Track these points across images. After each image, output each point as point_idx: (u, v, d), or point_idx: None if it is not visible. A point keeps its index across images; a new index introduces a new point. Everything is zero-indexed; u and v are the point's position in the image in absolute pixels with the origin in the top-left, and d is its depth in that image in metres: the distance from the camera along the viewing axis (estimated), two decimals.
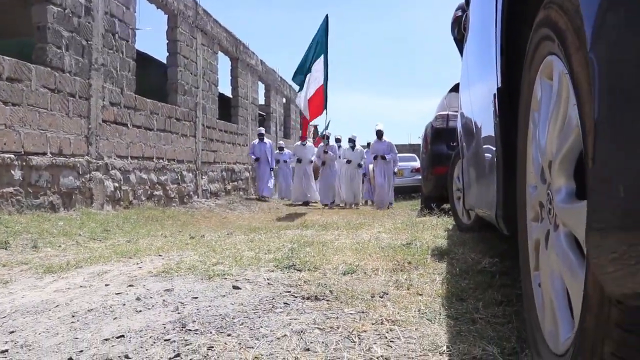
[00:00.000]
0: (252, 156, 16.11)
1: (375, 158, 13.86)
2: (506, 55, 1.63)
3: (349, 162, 14.83)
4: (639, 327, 0.84)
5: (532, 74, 1.38)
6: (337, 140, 16.02)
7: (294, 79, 12.83)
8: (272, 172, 16.18)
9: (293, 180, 15.98)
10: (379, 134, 14.02)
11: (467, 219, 5.25)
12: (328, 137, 14.97)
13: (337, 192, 14.79)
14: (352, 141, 15.33)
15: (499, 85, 1.69)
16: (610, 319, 0.87)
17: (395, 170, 14.12)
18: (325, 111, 12.13)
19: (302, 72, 12.45)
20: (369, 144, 16.87)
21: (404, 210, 10.61)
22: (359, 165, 15.10)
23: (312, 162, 15.28)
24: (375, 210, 12.81)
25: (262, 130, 16.58)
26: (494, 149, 1.88)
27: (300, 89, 12.54)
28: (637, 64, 0.62)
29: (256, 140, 16.45)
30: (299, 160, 15.46)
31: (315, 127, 13.52)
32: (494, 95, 1.75)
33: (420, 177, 9.91)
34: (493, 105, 1.80)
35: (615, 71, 0.68)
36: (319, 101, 11.99)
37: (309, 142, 15.86)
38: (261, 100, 22.12)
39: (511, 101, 1.68)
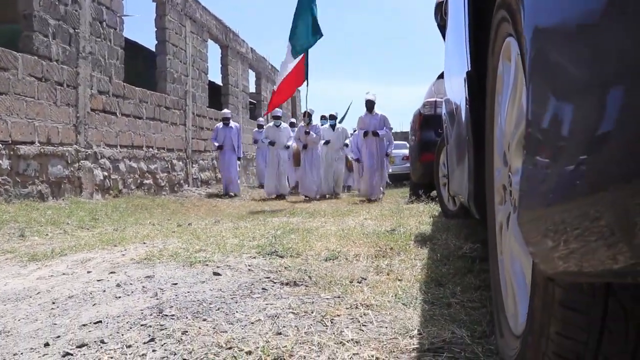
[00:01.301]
0: (215, 143, 13.36)
1: (365, 135, 11.06)
2: (474, 39, 1.63)
3: (327, 142, 12.73)
4: (581, 305, 0.85)
5: (496, 57, 1.38)
6: (323, 118, 14.06)
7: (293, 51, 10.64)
8: (239, 163, 13.62)
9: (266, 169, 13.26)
10: (370, 105, 11.15)
11: (452, 205, 5.26)
12: (310, 115, 12.19)
13: (331, 182, 12.83)
14: (333, 118, 13.39)
15: (469, 69, 1.70)
16: (555, 299, 0.88)
17: (390, 151, 11.33)
18: (306, 82, 10.55)
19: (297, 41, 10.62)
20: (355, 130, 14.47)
21: (393, 197, 10.59)
22: (345, 145, 13.04)
23: (287, 147, 12.82)
24: (362, 198, 11.16)
25: (228, 112, 13.76)
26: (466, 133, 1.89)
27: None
28: (565, 48, 0.63)
29: (220, 124, 13.56)
30: (271, 143, 12.73)
31: (306, 112, 11.86)
32: (464, 79, 1.75)
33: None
34: (464, 88, 1.81)
35: (542, 55, 0.68)
36: (286, 88, 10.78)
37: (284, 124, 13.37)
38: (252, 89, 22.05)
39: (480, 85, 1.68)
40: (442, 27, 4.06)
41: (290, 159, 13.47)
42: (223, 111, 14.14)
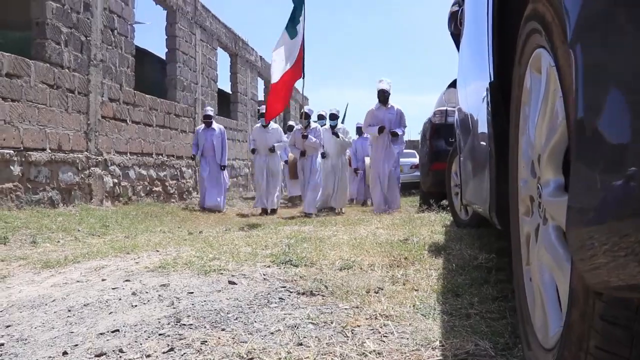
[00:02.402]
0: (193, 152, 11.36)
1: (380, 131, 8.96)
2: (498, 49, 1.63)
3: (324, 155, 10.68)
4: (622, 319, 0.84)
5: (523, 68, 1.38)
6: (321, 118, 11.41)
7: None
8: (224, 173, 11.20)
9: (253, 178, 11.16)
10: (383, 95, 9.09)
11: (464, 215, 5.25)
12: (309, 116, 10.30)
13: (330, 193, 10.71)
14: (334, 118, 11.05)
15: (492, 79, 1.70)
16: (595, 312, 0.87)
17: (400, 149, 9.49)
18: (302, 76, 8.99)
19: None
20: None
21: (403, 206, 10.56)
22: (347, 144, 11.18)
23: (272, 150, 10.72)
24: (371, 212, 9.15)
25: (210, 110, 11.43)
26: (487, 143, 1.88)
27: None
28: (618, 60, 0.62)
29: (201, 126, 11.32)
30: (253, 151, 10.92)
31: (304, 112, 10.11)
32: (487, 89, 1.75)
33: (419, 173, 9.88)
34: (486, 99, 1.80)
35: (595, 67, 0.68)
36: (287, 83, 9.00)
37: (274, 124, 11.17)
38: (260, 97, 22.11)
39: (503, 95, 1.68)
40: (456, 36, 4.06)
41: (285, 168, 12.19)
42: (205, 109, 11.74)
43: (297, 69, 8.95)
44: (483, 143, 2.15)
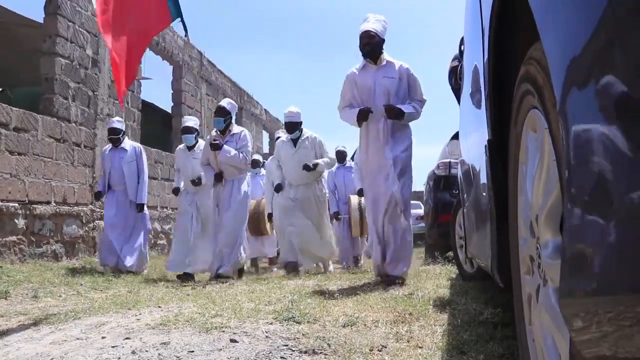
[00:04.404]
0: (99, 185, 8.10)
1: (364, 116, 5.11)
2: (495, 108, 1.65)
3: (279, 188, 7.33)
4: None
5: (519, 127, 1.39)
6: (284, 132, 7.86)
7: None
8: (144, 215, 8.00)
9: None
10: (370, 44, 5.20)
11: (470, 268, 5.20)
12: (228, 113, 6.84)
13: (296, 243, 6.93)
14: (291, 128, 7.21)
15: (489, 137, 1.71)
16: None
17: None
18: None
19: None
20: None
21: None
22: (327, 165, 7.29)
23: (196, 182, 7.12)
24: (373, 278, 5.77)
25: (117, 122, 7.97)
26: (487, 199, 1.88)
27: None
28: (604, 128, 0.63)
29: (107, 147, 8.01)
30: (176, 192, 7.73)
31: (221, 107, 6.82)
32: (485, 147, 1.76)
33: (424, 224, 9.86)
34: (485, 156, 1.81)
35: (582, 134, 0.68)
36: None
37: (203, 141, 7.53)
38: (265, 149, 22.30)
39: (502, 153, 1.68)
40: (457, 90, 4.12)
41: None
42: (111, 119, 8.33)
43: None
44: (484, 197, 2.15)
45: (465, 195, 3.65)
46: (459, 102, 3.97)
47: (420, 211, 17.38)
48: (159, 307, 4.24)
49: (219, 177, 6.57)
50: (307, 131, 7.36)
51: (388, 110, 5.00)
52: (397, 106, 5.04)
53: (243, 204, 6.70)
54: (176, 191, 7.74)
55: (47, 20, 8.51)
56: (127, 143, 7.95)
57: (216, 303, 4.23)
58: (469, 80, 2.80)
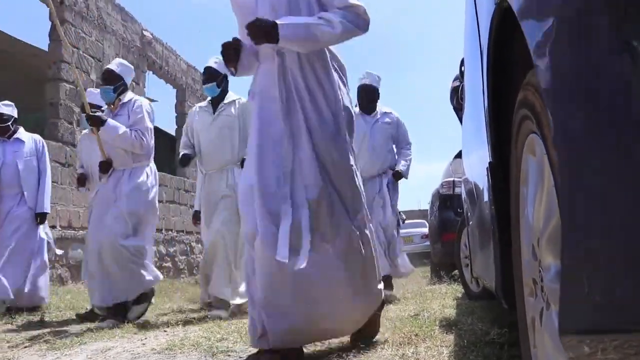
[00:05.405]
0: None
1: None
2: (496, 131, 1.66)
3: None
4: None
5: (519, 150, 1.40)
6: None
7: None
8: (46, 229, 6.21)
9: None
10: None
11: (475, 287, 5.18)
12: (121, 79, 4.91)
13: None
14: (210, 77, 5.50)
15: (491, 159, 1.72)
16: None
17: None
18: None
19: None
20: None
21: (414, 278, 10.41)
22: None
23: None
24: None
25: (3, 107, 5.84)
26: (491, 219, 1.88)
27: None
28: (598, 159, 0.64)
29: None
30: (80, 181, 5.79)
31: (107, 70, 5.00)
32: (487, 169, 1.77)
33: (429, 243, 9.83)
34: (486, 178, 1.82)
35: (576, 167, 0.69)
36: None
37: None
38: None
39: (504, 174, 1.69)
40: (459, 110, 4.15)
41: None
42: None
43: None
44: (487, 218, 2.15)
45: (469, 214, 3.66)
46: (461, 121, 4.00)
47: (425, 230, 17.33)
48: (165, 331, 4.24)
49: (105, 168, 4.78)
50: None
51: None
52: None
53: (136, 197, 4.94)
54: (82, 181, 6.06)
55: (52, 47, 8.61)
56: (24, 134, 5.99)
57: (221, 327, 4.22)
58: (469, 102, 2.83)
